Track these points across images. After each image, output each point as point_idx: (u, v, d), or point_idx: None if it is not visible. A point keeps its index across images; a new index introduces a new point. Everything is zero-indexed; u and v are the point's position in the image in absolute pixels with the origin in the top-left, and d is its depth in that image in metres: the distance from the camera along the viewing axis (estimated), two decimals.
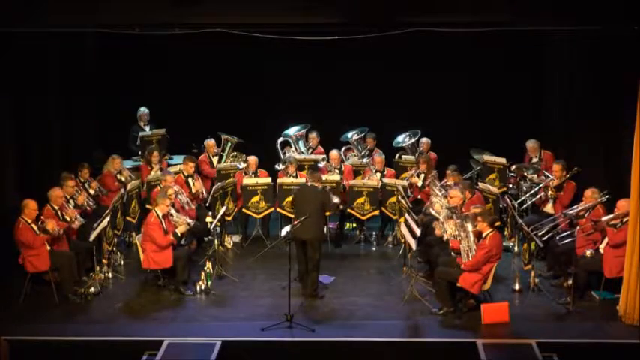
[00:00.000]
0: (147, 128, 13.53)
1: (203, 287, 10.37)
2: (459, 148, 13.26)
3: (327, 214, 11.23)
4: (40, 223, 9.99)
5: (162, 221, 10.37)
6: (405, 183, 12.10)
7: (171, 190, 10.88)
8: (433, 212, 10.96)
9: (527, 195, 11.77)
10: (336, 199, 11.17)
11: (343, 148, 13.34)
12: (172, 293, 10.35)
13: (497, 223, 10.72)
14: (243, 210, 12.31)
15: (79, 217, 10.64)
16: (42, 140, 12.16)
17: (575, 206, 10.58)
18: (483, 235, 9.62)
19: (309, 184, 10.69)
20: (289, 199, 11.96)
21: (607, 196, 10.24)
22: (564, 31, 11.94)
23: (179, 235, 10.41)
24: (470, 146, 13.16)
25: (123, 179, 12.08)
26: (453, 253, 10.04)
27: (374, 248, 12.29)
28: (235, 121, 14.01)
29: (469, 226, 9.70)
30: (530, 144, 12.52)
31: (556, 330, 9.29)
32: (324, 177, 11.64)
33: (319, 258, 10.27)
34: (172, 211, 10.68)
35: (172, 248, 10.36)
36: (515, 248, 11.47)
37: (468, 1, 9.62)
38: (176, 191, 11.20)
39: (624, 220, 9.61)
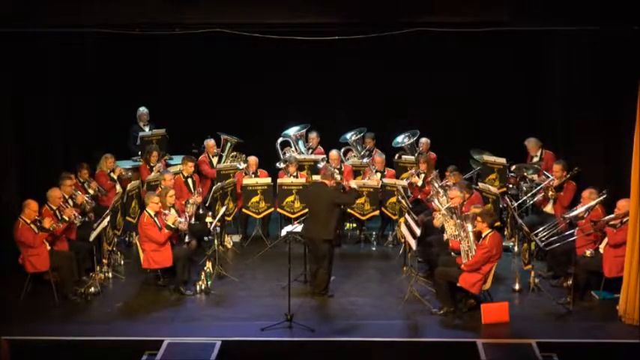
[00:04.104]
0: (146, 128, 13.53)
1: (203, 287, 10.37)
2: (459, 148, 13.26)
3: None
4: (37, 222, 10.00)
5: (155, 219, 10.37)
6: (405, 183, 12.10)
7: (172, 191, 10.86)
8: (436, 202, 10.88)
9: (528, 196, 11.77)
10: (353, 184, 11.07)
11: (343, 149, 13.34)
12: (172, 293, 10.35)
13: (497, 224, 10.73)
14: (243, 210, 12.31)
15: (78, 215, 10.63)
16: (42, 140, 12.16)
17: (574, 208, 10.56)
18: (483, 235, 9.61)
19: (318, 181, 10.65)
20: (289, 198, 11.99)
21: (605, 196, 10.24)
22: (564, 31, 11.94)
23: (172, 226, 10.36)
24: (470, 146, 13.16)
25: (115, 177, 12.12)
26: (452, 253, 10.04)
27: (374, 248, 12.29)
28: (235, 121, 14.01)
29: (469, 226, 9.69)
30: (529, 142, 12.54)
31: (556, 330, 9.29)
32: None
33: (329, 258, 10.25)
34: (172, 211, 10.68)
35: (172, 247, 10.37)
36: (515, 248, 11.49)
37: (467, 1, 9.62)
38: (190, 202, 11.26)
39: (624, 219, 9.61)
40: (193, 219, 11.32)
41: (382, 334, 9.19)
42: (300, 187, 11.92)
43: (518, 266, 10.66)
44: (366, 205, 12.18)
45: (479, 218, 9.63)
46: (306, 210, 10.89)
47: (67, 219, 10.42)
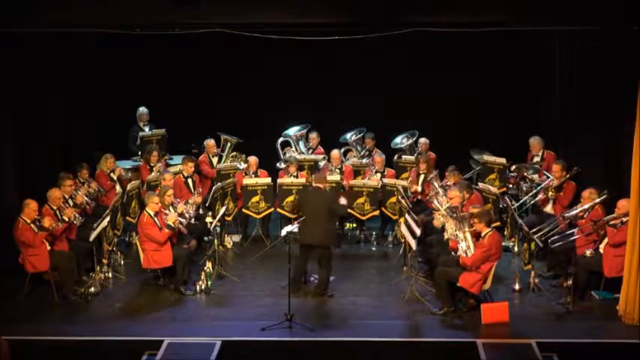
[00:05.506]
0: (146, 128, 13.53)
1: (203, 287, 10.38)
2: (458, 148, 13.25)
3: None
4: (37, 222, 10.00)
5: (155, 219, 10.38)
6: (406, 183, 12.10)
7: (171, 190, 10.87)
8: (436, 203, 10.88)
9: (528, 196, 11.76)
10: (343, 200, 11.12)
11: (343, 149, 13.33)
12: (172, 293, 10.35)
13: (497, 223, 10.73)
14: (243, 210, 12.31)
15: (77, 215, 10.63)
16: (42, 140, 12.16)
17: (574, 207, 10.57)
18: (482, 234, 9.61)
19: (312, 185, 10.65)
20: (289, 198, 11.98)
21: (604, 196, 10.24)
22: (564, 30, 11.94)
23: (172, 225, 10.36)
24: (470, 146, 13.16)
25: (115, 177, 12.14)
26: (452, 253, 10.03)
27: (374, 248, 12.29)
28: (235, 121, 14.01)
29: (465, 228, 9.68)
30: (533, 140, 12.53)
31: (556, 330, 9.29)
32: None
33: (329, 260, 10.27)
34: (172, 211, 10.67)
35: (172, 247, 10.37)
36: (515, 248, 11.48)
37: (467, 1, 9.62)
38: (190, 203, 11.19)
39: (624, 219, 9.61)
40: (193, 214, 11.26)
41: (382, 334, 9.19)
42: (300, 187, 11.91)
43: (518, 266, 10.66)
44: (366, 205, 12.17)
45: (475, 219, 9.63)
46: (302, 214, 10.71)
47: (67, 219, 10.42)
